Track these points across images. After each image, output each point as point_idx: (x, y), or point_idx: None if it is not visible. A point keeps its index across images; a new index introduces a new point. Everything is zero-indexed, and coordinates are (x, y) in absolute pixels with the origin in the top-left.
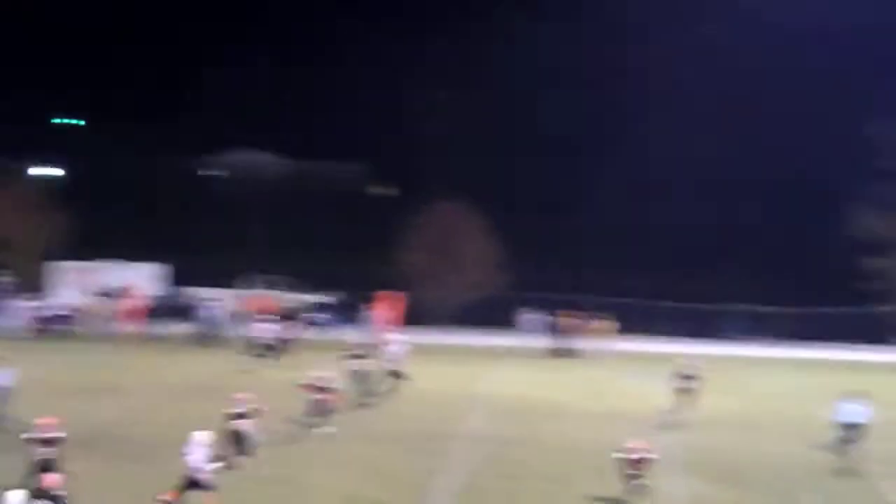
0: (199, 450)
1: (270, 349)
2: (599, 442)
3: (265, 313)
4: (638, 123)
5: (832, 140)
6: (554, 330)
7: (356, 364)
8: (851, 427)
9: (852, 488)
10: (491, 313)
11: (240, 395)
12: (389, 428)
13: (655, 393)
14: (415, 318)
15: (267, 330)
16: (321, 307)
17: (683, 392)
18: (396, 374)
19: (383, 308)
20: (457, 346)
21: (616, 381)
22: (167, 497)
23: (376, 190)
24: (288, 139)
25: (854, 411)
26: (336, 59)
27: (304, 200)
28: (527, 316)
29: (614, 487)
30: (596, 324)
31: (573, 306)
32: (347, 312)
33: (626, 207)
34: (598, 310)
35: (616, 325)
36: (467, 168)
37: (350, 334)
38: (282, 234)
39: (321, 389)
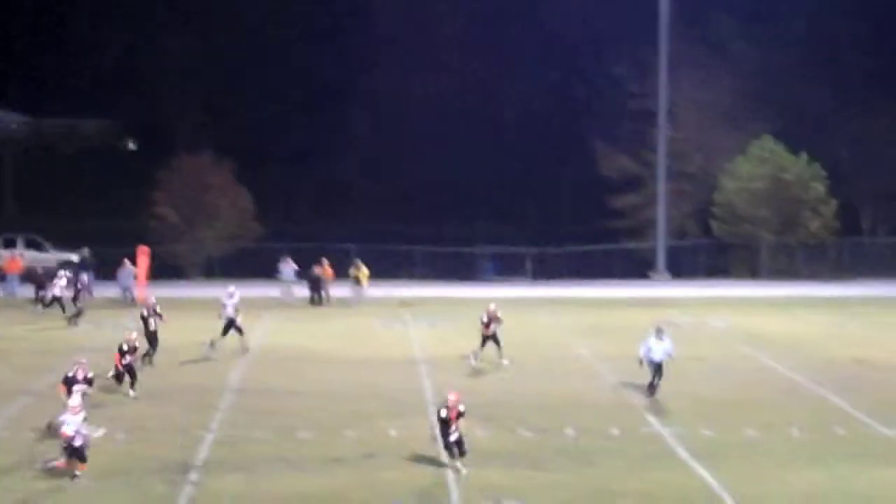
0: None
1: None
2: (366, 387)
3: (12, 272)
4: (381, 69)
5: (579, 80)
6: (312, 279)
7: (151, 322)
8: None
9: (617, 419)
10: (247, 265)
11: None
12: (157, 384)
13: (418, 337)
14: (169, 271)
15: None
16: (73, 265)
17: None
18: (229, 329)
19: (138, 263)
20: (216, 299)
21: (377, 326)
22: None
23: (123, 145)
24: (27, 97)
25: (661, 348)
26: (72, 13)
27: (49, 158)
28: (284, 266)
29: (384, 434)
30: (353, 270)
31: (330, 254)
32: (98, 269)
33: (378, 154)
34: (355, 257)
35: (370, 270)
36: (215, 120)
37: (109, 291)
38: (27, 192)
39: (127, 352)
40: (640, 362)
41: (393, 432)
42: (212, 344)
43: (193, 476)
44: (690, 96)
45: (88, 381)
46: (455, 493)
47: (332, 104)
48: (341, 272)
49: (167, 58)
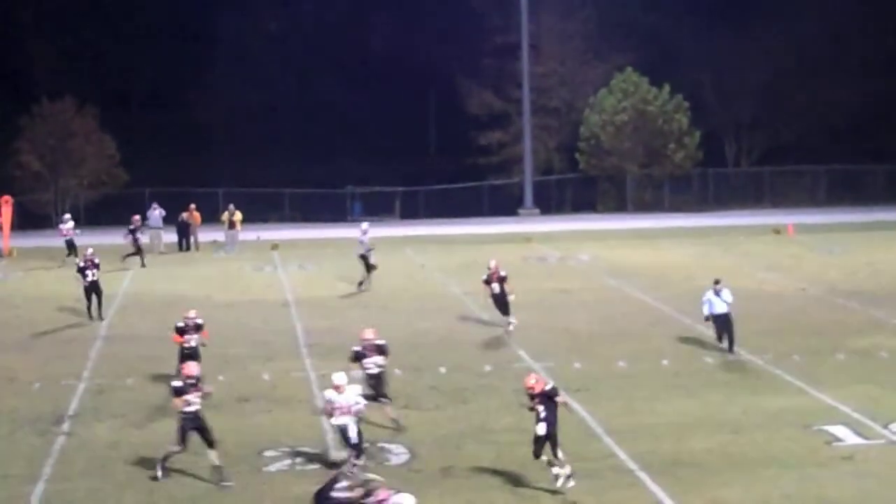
0: None
1: None
2: (237, 332)
3: None
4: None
5: (440, 16)
6: (180, 225)
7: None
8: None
9: (489, 356)
10: (114, 211)
11: None
12: (26, 335)
13: (288, 280)
14: (34, 221)
15: None
16: None
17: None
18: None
19: (1, 213)
20: (82, 247)
21: (247, 270)
22: None
23: None
24: None
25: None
26: None
27: None
28: (151, 212)
29: (257, 378)
30: (226, 215)
31: (197, 199)
32: None
33: (242, 96)
34: (226, 201)
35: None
36: (76, 65)
37: None
38: None
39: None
40: (707, 319)
41: (266, 376)
42: (360, 284)
43: (66, 426)
44: (552, 28)
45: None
46: (329, 435)
47: (192, 46)
48: (209, 217)
49: (23, 3)
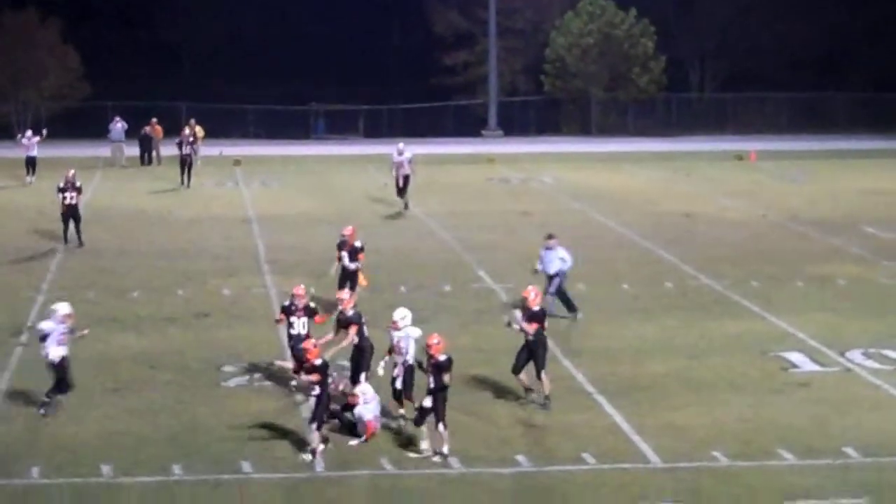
0: None
1: None
2: (198, 247)
3: None
4: None
5: None
6: (142, 139)
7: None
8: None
9: (449, 275)
10: (76, 124)
11: None
12: None
13: (250, 196)
14: None
15: None
16: None
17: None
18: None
19: None
20: (43, 159)
21: (209, 186)
22: None
23: None
24: None
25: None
26: None
27: None
28: (113, 125)
29: (217, 293)
30: (188, 130)
31: (159, 114)
32: None
33: (208, 11)
34: (188, 115)
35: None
36: None
37: None
38: None
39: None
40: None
41: (226, 291)
42: (406, 206)
43: (24, 338)
44: None
45: None
46: (288, 351)
47: None
48: (172, 132)
49: None
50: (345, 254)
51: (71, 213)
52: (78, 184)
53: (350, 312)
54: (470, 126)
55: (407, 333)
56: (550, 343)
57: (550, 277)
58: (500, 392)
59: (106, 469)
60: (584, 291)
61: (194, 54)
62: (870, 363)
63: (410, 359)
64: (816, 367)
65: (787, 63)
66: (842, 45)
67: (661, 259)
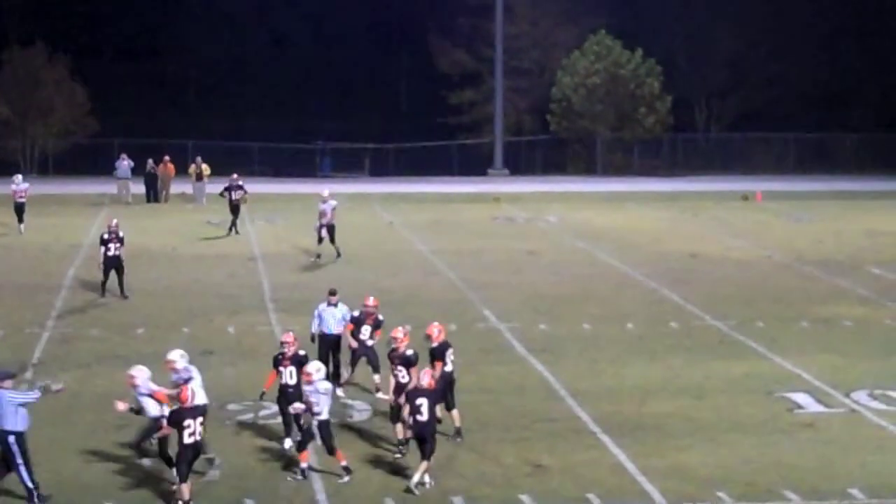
0: None
1: None
2: (203, 284)
3: None
4: None
5: None
6: (148, 176)
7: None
8: None
9: (454, 314)
10: (82, 161)
11: None
12: None
13: (256, 234)
14: (1, 168)
15: None
16: None
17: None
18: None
19: None
20: (50, 196)
21: (218, 223)
22: None
23: None
24: None
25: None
26: None
27: None
28: (120, 162)
29: (222, 331)
30: (194, 168)
31: (167, 151)
32: None
33: (214, 50)
34: (194, 153)
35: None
36: (47, 12)
37: None
38: None
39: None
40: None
41: (231, 329)
42: (338, 254)
43: (29, 374)
44: None
45: None
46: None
47: None
48: (178, 170)
49: None
50: (366, 328)
51: (113, 263)
52: (121, 234)
53: (410, 352)
54: (476, 165)
55: (316, 388)
56: (556, 382)
57: (324, 337)
58: (505, 431)
59: None
60: (589, 331)
61: (201, 91)
62: (875, 404)
63: (324, 414)
64: (822, 408)
65: (793, 102)
66: (849, 83)
67: (666, 299)
